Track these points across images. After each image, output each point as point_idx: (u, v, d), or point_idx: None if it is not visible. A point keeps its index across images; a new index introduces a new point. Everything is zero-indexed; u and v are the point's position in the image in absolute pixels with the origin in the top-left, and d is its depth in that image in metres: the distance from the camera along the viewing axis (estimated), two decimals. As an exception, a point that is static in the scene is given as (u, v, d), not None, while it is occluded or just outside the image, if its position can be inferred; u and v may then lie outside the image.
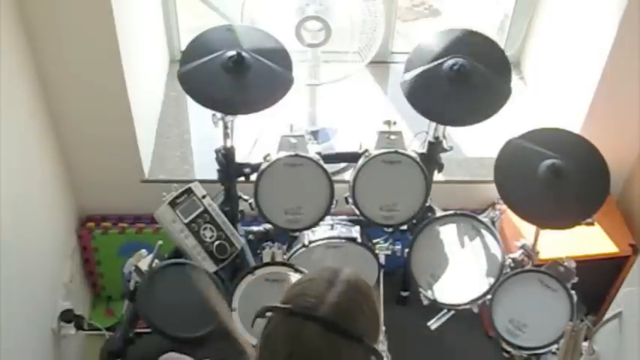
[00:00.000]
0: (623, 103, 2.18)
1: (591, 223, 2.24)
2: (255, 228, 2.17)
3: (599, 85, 2.15)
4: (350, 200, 1.97)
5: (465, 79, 1.84)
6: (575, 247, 2.15)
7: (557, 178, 1.80)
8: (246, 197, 2.07)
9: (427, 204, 2.02)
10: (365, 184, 1.95)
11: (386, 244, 2.17)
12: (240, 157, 2.04)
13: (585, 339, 1.73)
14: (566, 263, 1.91)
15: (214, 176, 2.08)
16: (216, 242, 1.97)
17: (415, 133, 2.09)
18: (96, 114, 2.12)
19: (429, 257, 2.00)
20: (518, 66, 2.73)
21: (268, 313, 1.03)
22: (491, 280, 1.95)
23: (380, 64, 2.68)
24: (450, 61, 1.85)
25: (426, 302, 2.00)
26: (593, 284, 2.16)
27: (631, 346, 1.64)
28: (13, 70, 1.83)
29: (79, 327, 2.16)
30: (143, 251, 1.93)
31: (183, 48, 2.55)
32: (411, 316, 2.06)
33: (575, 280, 1.91)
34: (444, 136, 2.03)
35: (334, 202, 1.95)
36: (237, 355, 1.21)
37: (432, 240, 2.01)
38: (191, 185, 1.98)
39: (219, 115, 1.87)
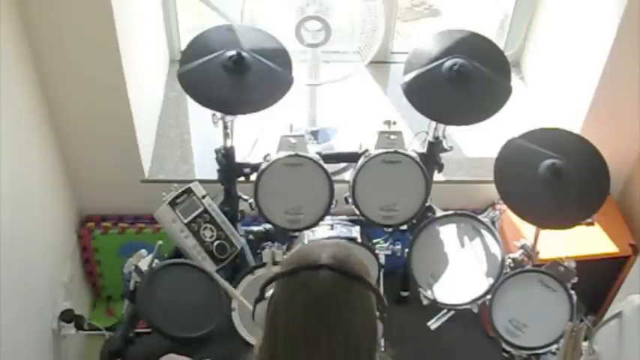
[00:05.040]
0: (623, 103, 2.18)
1: (591, 223, 2.23)
2: (255, 228, 2.17)
3: (599, 85, 2.15)
4: (350, 200, 1.97)
5: (464, 79, 1.84)
6: (575, 247, 2.15)
7: (557, 178, 1.80)
8: (246, 197, 2.07)
9: (427, 204, 2.02)
10: (365, 184, 1.95)
11: (386, 244, 2.17)
12: (240, 157, 2.04)
13: (585, 339, 1.73)
14: (566, 263, 1.91)
15: (214, 176, 2.08)
16: (216, 242, 1.97)
17: (415, 133, 2.09)
18: (96, 114, 2.12)
19: (429, 257, 2.00)
20: (518, 66, 2.73)
21: (268, 294, 1.06)
22: (491, 280, 1.95)
23: (380, 64, 2.68)
24: (450, 62, 1.85)
25: (426, 302, 2.00)
26: (593, 284, 2.16)
27: (631, 346, 1.64)
28: (13, 70, 1.83)
29: (79, 327, 2.16)
30: (143, 251, 1.93)
31: (183, 48, 2.55)
32: (411, 316, 2.06)
33: (575, 280, 1.91)
34: (444, 136, 2.03)
35: (334, 202, 1.95)
36: (237, 355, 1.21)
37: (432, 240, 2.01)
38: (191, 185, 1.98)
39: (219, 115, 1.87)
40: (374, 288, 1.05)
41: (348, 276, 1.02)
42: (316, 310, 1.00)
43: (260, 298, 1.10)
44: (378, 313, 1.07)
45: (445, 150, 2.06)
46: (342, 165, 2.25)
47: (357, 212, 1.99)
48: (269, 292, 1.08)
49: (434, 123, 1.98)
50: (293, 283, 1.03)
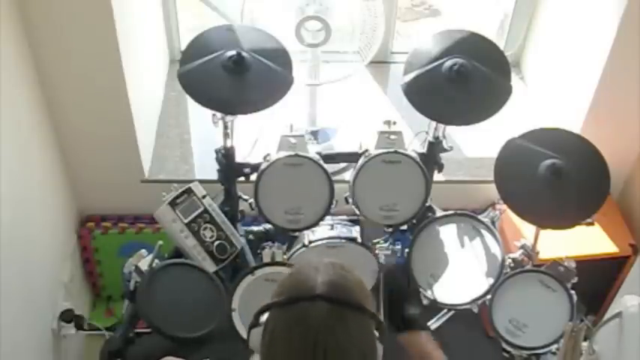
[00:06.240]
0: (623, 103, 2.18)
1: (591, 223, 2.23)
2: (255, 228, 2.17)
3: (599, 85, 2.15)
4: (350, 200, 1.97)
5: (464, 79, 1.84)
6: (575, 247, 2.15)
7: (557, 178, 1.80)
8: (246, 197, 2.06)
9: (427, 204, 2.02)
10: (365, 184, 1.95)
11: (386, 244, 2.17)
12: (240, 157, 2.04)
13: (585, 339, 1.73)
14: (566, 263, 1.91)
15: (214, 176, 2.08)
16: (216, 242, 1.97)
17: (415, 133, 2.09)
18: (96, 114, 2.12)
19: (429, 257, 2.00)
20: (518, 66, 2.73)
21: (262, 319, 1.05)
22: (491, 280, 1.95)
23: (380, 64, 2.68)
24: (450, 62, 1.85)
25: (426, 302, 2.00)
26: (593, 284, 2.16)
27: (631, 346, 1.64)
28: (13, 70, 1.83)
29: (79, 327, 2.16)
30: (143, 251, 1.93)
31: (183, 48, 2.55)
32: (411, 316, 2.06)
33: (575, 280, 1.91)
34: (444, 136, 2.03)
35: (334, 202, 1.95)
36: (237, 355, 1.21)
37: (432, 240, 2.01)
38: (191, 185, 1.98)
39: (219, 115, 1.87)
40: (373, 314, 1.05)
41: (346, 306, 1.01)
42: (313, 341, 0.99)
43: (254, 324, 1.08)
44: (377, 334, 1.06)
45: (445, 150, 2.06)
46: (342, 165, 2.25)
47: (357, 212, 1.99)
48: (263, 318, 1.06)
49: (434, 123, 1.98)
50: (288, 314, 1.02)
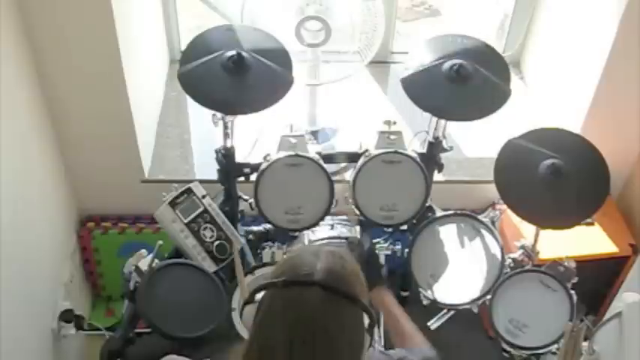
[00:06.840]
0: (623, 103, 2.18)
1: (591, 223, 2.23)
2: (255, 228, 2.17)
3: (599, 85, 2.15)
4: (350, 200, 1.97)
5: (465, 79, 1.84)
6: (575, 247, 2.15)
7: (557, 178, 1.80)
8: (246, 197, 2.07)
9: (427, 204, 2.02)
10: (365, 184, 1.95)
11: (386, 244, 2.17)
12: (240, 157, 2.04)
13: (585, 339, 1.73)
14: (566, 263, 1.91)
15: (214, 176, 2.08)
16: (216, 242, 1.97)
17: (415, 133, 2.09)
18: (96, 114, 2.12)
19: (429, 257, 2.00)
20: (518, 66, 2.73)
21: (257, 297, 1.07)
22: (491, 280, 1.95)
23: (380, 64, 2.68)
24: (449, 62, 1.85)
25: (426, 302, 2.00)
26: (593, 284, 2.17)
27: (631, 346, 1.64)
28: (13, 70, 1.83)
29: (79, 327, 2.16)
30: (143, 251, 1.93)
31: (183, 48, 2.56)
32: (411, 316, 2.05)
33: (575, 280, 1.91)
34: (444, 136, 2.03)
35: (334, 202, 1.95)
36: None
37: (432, 240, 2.01)
38: (191, 185, 1.98)
39: (219, 115, 1.87)
40: (365, 306, 1.05)
41: (342, 295, 1.02)
42: (304, 325, 1.00)
43: (249, 300, 1.10)
44: (367, 325, 1.07)
45: (445, 150, 2.06)
46: (342, 165, 2.25)
47: (357, 212, 1.99)
48: (258, 296, 1.07)
49: (434, 123, 1.98)
50: (284, 296, 1.03)
